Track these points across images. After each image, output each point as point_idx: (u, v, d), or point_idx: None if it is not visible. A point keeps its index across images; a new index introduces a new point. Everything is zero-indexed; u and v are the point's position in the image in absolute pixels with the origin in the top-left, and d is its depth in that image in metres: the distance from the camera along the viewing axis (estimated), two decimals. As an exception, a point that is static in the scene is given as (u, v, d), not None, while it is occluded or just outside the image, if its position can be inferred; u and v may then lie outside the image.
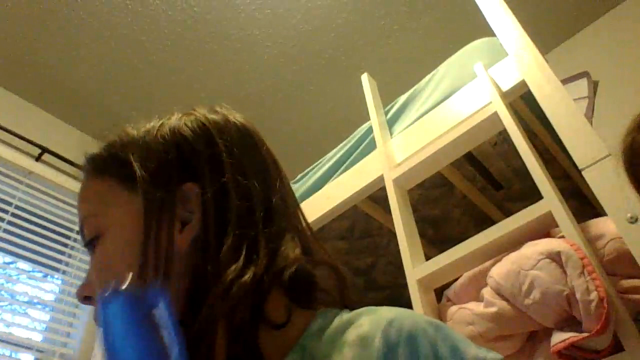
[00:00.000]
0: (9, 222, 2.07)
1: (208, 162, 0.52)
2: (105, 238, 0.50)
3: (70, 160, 2.39)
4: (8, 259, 2.08)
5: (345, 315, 0.48)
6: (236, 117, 0.58)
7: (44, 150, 2.31)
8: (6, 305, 2.01)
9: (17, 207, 2.13)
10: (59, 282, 2.20)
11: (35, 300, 2.09)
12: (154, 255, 0.46)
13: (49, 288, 2.19)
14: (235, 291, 0.43)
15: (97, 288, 0.49)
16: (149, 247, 0.47)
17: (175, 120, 0.56)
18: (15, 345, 1.93)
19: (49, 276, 2.20)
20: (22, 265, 2.13)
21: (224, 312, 0.43)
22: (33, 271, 2.15)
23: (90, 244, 0.51)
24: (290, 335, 0.47)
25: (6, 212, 2.08)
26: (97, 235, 0.51)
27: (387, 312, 0.44)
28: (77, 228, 2.28)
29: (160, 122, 0.57)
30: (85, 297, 0.51)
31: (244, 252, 0.46)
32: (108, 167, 0.55)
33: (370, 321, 0.44)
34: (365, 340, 0.42)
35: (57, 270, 2.18)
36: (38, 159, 2.30)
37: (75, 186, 2.37)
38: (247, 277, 0.44)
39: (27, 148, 2.28)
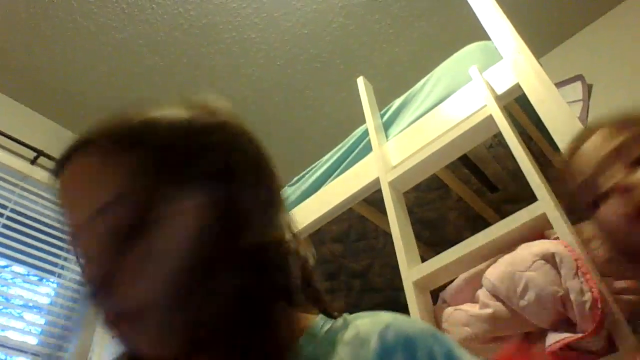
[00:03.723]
0: (4, 226, 2.06)
1: None
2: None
3: (66, 163, 2.38)
4: (3, 262, 2.07)
5: (346, 317, 0.49)
6: None
7: (40, 153, 2.30)
8: (1, 309, 2.00)
9: (12, 210, 2.12)
10: (55, 285, 2.19)
11: (31, 304, 2.08)
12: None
13: (45, 291, 2.18)
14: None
15: None
16: None
17: None
18: (11, 348, 1.92)
19: (44, 280, 2.19)
20: (18, 268, 2.12)
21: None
22: (28, 275, 2.14)
23: None
24: (291, 335, 0.48)
25: (1, 215, 2.08)
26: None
27: (385, 316, 0.46)
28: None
29: None
30: None
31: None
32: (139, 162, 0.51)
33: (368, 322, 0.45)
34: (360, 340, 0.43)
35: (52, 273, 2.17)
36: (33, 162, 2.30)
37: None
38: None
39: (23, 151, 2.27)
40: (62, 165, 0.49)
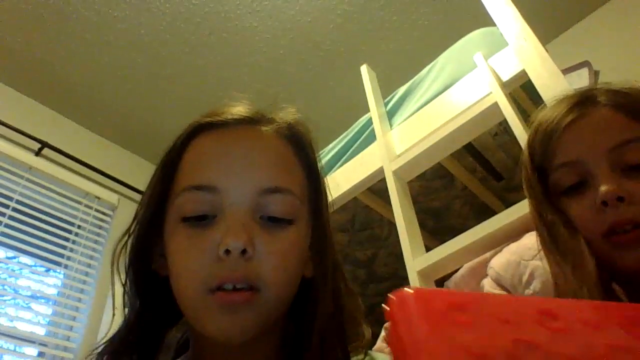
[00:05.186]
0: (10, 217, 2.08)
1: None
2: (297, 227, 0.50)
3: (70, 154, 2.39)
4: (10, 253, 2.09)
5: (369, 352, 0.53)
6: None
7: (44, 144, 2.31)
8: (9, 300, 2.02)
9: (18, 202, 2.13)
10: (61, 276, 2.21)
11: (38, 295, 2.10)
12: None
13: (52, 282, 2.20)
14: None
15: (269, 271, 0.46)
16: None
17: None
18: (19, 339, 1.94)
19: (51, 270, 2.21)
20: (25, 259, 2.13)
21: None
22: (35, 265, 2.15)
23: (279, 219, 0.49)
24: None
25: (7, 207, 2.09)
26: (289, 219, 0.49)
27: None
28: (78, 223, 2.28)
29: None
30: (244, 251, 0.45)
31: None
32: (308, 167, 0.55)
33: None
34: None
35: (59, 264, 2.18)
36: (38, 153, 2.30)
37: (76, 180, 2.37)
38: None
39: (27, 143, 2.28)
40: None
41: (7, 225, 2.05)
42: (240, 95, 0.57)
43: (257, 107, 0.56)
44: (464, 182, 1.58)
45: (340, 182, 1.48)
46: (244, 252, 0.44)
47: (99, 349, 0.51)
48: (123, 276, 0.53)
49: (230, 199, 0.47)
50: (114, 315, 0.55)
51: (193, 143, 0.52)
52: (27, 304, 2.07)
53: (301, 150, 0.54)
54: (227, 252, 0.44)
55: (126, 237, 0.54)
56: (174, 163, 0.52)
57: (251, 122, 0.53)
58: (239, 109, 0.54)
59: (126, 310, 0.52)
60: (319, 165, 0.57)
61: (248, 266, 0.45)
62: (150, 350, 0.53)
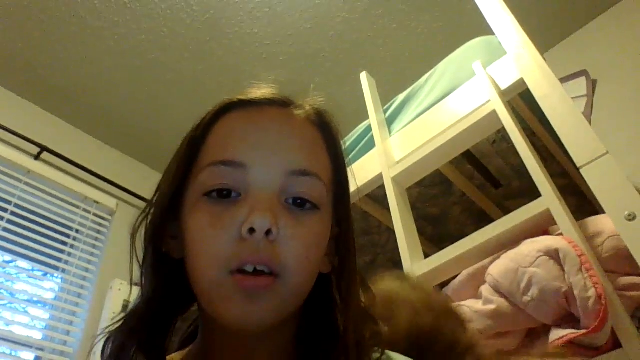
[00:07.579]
0: (9, 221, 2.07)
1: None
2: (322, 215, 0.48)
3: (69, 158, 2.39)
4: (8, 257, 2.09)
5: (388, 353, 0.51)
6: None
7: (43, 148, 2.31)
8: (6, 304, 2.01)
9: (16, 205, 2.13)
10: (59, 280, 2.21)
11: (35, 299, 2.09)
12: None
13: (49, 286, 2.19)
14: None
15: (292, 257, 0.44)
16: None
17: None
18: (16, 343, 1.93)
19: (48, 275, 2.20)
20: (22, 263, 2.13)
21: None
22: (33, 270, 2.15)
23: (304, 201, 0.46)
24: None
25: (5, 210, 2.08)
26: (316, 204, 0.47)
27: None
28: (76, 227, 2.28)
29: None
30: (269, 231, 0.43)
31: None
32: (335, 157, 0.54)
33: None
34: None
35: (56, 268, 2.18)
36: (37, 157, 2.30)
37: (75, 184, 2.37)
38: None
39: (26, 147, 2.28)
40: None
41: (5, 229, 2.05)
42: (267, 79, 0.57)
43: (285, 92, 0.55)
44: (462, 189, 1.58)
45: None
46: (268, 233, 0.42)
47: (112, 327, 0.49)
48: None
49: (258, 178, 0.45)
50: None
51: (222, 120, 0.50)
52: (24, 308, 2.07)
53: (330, 139, 0.54)
54: (252, 231, 0.42)
55: (149, 209, 0.51)
56: (199, 140, 0.50)
57: (283, 104, 0.52)
58: (271, 91, 0.54)
59: (140, 292, 0.50)
60: (345, 155, 0.55)
61: (271, 249, 0.43)
62: (161, 335, 0.51)
